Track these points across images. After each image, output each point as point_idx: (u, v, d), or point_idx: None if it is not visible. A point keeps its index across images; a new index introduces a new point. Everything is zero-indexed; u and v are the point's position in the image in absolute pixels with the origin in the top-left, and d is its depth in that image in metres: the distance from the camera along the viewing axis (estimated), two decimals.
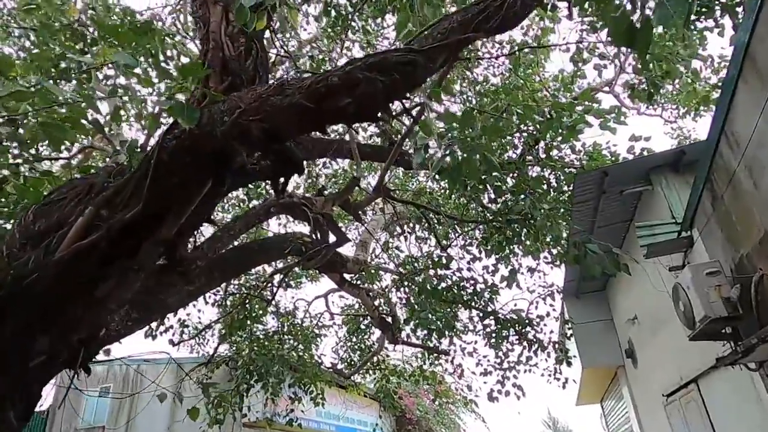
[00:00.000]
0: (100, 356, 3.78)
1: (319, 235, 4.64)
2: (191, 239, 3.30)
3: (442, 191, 7.45)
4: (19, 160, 4.63)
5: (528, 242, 5.51)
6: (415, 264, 6.25)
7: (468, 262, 6.36)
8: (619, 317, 11.62)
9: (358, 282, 9.40)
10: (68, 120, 3.27)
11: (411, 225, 7.75)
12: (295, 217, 5.00)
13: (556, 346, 8.55)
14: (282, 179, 2.77)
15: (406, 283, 6.80)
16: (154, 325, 7.17)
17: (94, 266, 3.00)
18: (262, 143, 2.28)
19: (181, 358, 11.05)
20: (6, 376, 2.95)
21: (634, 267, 6.51)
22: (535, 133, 5.87)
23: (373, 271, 6.58)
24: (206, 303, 7.85)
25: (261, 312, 8.01)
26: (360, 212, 6.20)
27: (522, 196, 4.88)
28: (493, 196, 5.05)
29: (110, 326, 4.05)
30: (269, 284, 6.85)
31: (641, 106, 9.49)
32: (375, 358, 9.86)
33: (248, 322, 7.77)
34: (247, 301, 6.98)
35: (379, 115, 2.16)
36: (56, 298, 3.02)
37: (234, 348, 8.66)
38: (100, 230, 2.97)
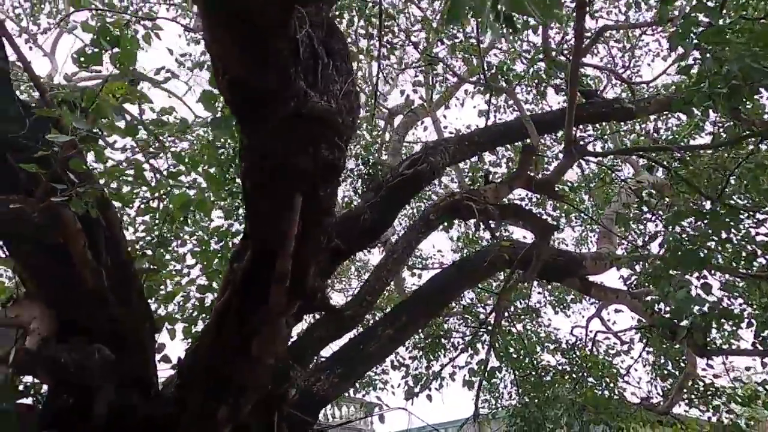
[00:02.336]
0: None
1: (495, 227, 3.73)
2: (318, 267, 2.92)
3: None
4: None
5: None
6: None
7: None
8: None
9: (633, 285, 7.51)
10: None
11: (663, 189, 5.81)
12: (463, 218, 4.22)
13: None
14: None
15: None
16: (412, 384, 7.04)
17: (235, 324, 2.91)
18: (247, 102, 1.79)
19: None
20: None
21: None
22: None
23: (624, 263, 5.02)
24: (455, 349, 7.39)
25: (510, 347, 7.06)
26: (557, 189, 4.91)
27: None
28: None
29: (317, 387, 3.96)
30: (503, 313, 5.98)
31: None
32: (694, 381, 7.49)
33: (503, 361, 6.92)
34: (482, 335, 6.21)
35: None
36: (217, 364, 3.01)
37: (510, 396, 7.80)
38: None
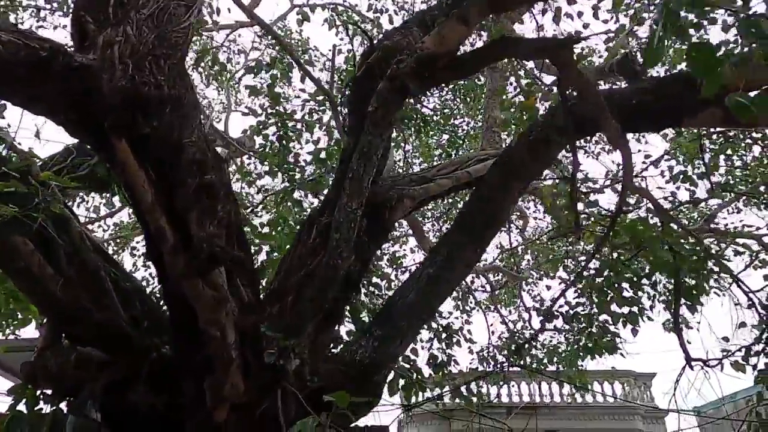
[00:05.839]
0: None
1: None
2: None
3: None
4: None
5: None
6: None
7: None
8: None
9: None
10: None
11: None
12: (418, 92, 2.99)
13: None
14: None
15: None
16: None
17: (172, 302, 2.76)
18: None
19: None
20: None
21: None
22: None
23: None
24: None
25: None
26: None
27: None
28: None
29: (359, 354, 3.45)
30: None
31: None
32: None
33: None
34: None
35: None
36: (183, 348, 2.91)
37: None
38: None
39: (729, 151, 7.51)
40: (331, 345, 4.00)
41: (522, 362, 5.98)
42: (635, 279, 4.19)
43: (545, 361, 6.80)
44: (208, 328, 2.68)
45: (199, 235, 2.46)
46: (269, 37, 7.17)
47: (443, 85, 8.40)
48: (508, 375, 8.36)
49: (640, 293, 4.33)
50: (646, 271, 4.21)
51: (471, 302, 8.31)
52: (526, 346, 5.86)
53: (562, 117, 2.77)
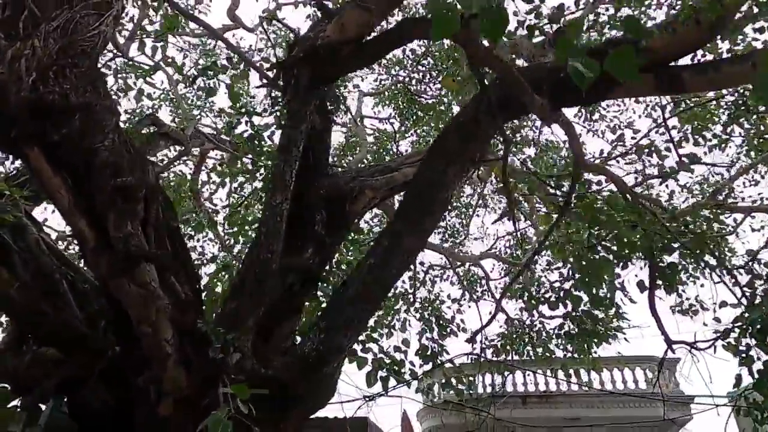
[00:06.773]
0: None
1: None
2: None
3: None
4: None
5: None
6: None
7: None
8: None
9: None
10: None
11: None
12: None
13: None
14: None
15: None
16: None
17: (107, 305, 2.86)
18: None
19: None
20: None
21: None
22: None
23: None
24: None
25: None
26: None
27: None
28: None
29: (307, 347, 3.47)
30: None
31: None
32: None
33: None
34: None
35: None
36: (123, 347, 3.01)
37: None
38: None
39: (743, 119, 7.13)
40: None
41: (478, 352, 5.88)
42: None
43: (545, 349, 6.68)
44: (140, 324, 2.79)
45: (116, 235, 2.55)
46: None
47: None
48: (506, 365, 8.23)
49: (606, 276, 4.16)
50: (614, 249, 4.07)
51: (477, 293, 8.22)
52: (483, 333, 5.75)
53: (485, 96, 2.71)
